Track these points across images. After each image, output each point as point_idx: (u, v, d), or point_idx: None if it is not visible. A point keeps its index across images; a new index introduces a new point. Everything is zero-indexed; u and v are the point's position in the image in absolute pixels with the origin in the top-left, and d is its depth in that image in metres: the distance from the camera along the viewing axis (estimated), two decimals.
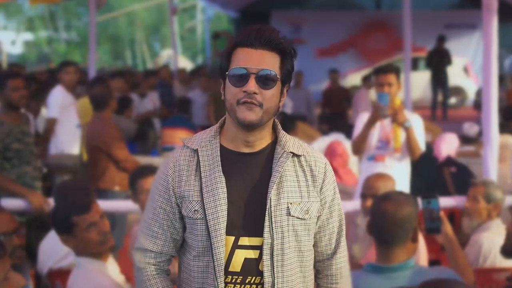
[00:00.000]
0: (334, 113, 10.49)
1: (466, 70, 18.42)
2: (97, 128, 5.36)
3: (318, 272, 2.24)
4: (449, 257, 3.33)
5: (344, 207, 2.29)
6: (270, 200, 2.04)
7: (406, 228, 2.74)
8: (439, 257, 4.37)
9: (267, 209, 2.04)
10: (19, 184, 4.44)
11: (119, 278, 2.92)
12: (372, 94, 9.12)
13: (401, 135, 4.68)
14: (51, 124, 6.37)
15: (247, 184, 2.07)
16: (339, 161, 5.79)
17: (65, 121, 6.40)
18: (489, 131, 4.66)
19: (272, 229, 2.04)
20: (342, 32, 19.44)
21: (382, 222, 2.76)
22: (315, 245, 2.19)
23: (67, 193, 3.28)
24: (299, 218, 2.08)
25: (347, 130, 6.90)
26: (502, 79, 11.92)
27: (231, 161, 2.09)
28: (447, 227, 3.30)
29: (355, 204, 4.34)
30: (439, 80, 14.68)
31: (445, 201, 4.40)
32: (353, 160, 5.76)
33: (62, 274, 3.43)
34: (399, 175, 4.42)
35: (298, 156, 2.12)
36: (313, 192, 2.12)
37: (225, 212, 2.04)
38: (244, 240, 2.06)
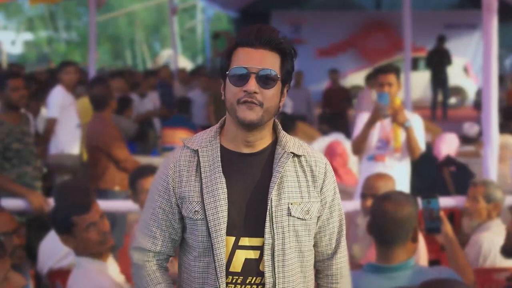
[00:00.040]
0: (334, 113, 10.48)
1: (466, 70, 18.42)
2: (97, 128, 5.36)
3: (318, 272, 2.24)
4: (449, 257, 3.33)
5: (344, 207, 2.29)
6: (271, 200, 2.04)
7: (406, 228, 2.74)
8: (439, 257, 4.37)
9: (267, 210, 2.04)
10: (19, 184, 4.44)
11: (119, 278, 2.92)
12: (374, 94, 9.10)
13: (401, 135, 4.68)
14: (51, 124, 6.37)
15: (247, 185, 2.07)
16: (339, 161, 5.79)
17: (65, 121, 6.40)
18: (489, 131, 4.66)
19: (273, 230, 2.04)
20: (342, 32, 19.44)
21: (382, 222, 2.76)
22: (315, 245, 2.19)
23: (67, 193, 3.27)
24: (300, 218, 2.08)
25: (347, 130, 6.90)
26: (502, 79, 11.92)
27: (231, 162, 2.09)
28: (447, 227, 3.30)
29: (355, 204, 4.34)
30: (439, 80, 14.67)
31: (445, 201, 4.39)
32: (353, 160, 5.76)
33: (62, 274, 3.43)
34: (399, 175, 4.42)
35: (298, 156, 2.12)
36: (314, 192, 2.12)
37: (226, 213, 2.04)
38: (245, 241, 2.06)
